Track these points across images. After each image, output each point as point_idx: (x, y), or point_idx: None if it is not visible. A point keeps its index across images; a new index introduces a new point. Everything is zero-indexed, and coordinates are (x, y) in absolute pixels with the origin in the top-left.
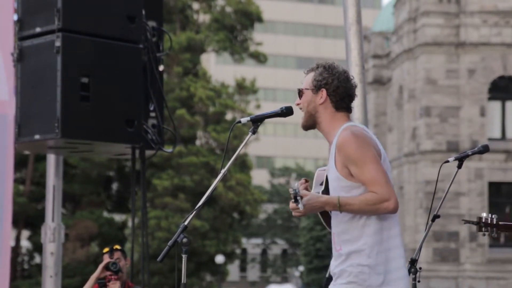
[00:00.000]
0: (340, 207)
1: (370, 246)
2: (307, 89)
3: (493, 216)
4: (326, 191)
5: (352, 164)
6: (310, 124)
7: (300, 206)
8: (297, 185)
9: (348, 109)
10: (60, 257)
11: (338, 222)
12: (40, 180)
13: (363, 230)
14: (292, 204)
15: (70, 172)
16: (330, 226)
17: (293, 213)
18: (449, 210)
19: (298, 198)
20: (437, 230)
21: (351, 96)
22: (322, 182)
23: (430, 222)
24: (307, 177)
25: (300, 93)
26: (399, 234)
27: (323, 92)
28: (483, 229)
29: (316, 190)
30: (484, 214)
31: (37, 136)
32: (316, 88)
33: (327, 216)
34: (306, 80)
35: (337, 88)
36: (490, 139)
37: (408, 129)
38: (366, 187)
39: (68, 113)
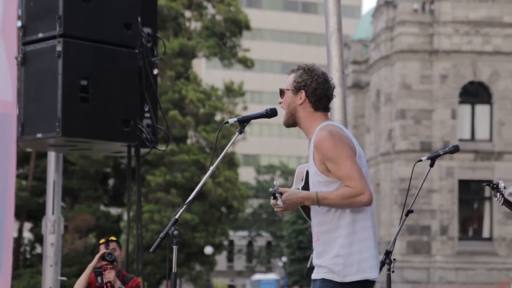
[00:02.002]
0: (318, 201)
1: (345, 236)
2: (288, 89)
3: (504, 188)
4: (306, 185)
5: (329, 161)
6: (291, 122)
7: (279, 202)
8: (276, 182)
9: (326, 109)
10: (59, 248)
11: (316, 214)
12: (41, 176)
13: (339, 221)
14: (272, 201)
15: (70, 169)
16: (310, 218)
17: (275, 209)
18: (421, 205)
19: (277, 195)
20: (410, 224)
21: (328, 97)
22: (303, 178)
23: (404, 216)
24: (290, 174)
25: (282, 93)
26: (372, 226)
27: (302, 93)
28: (496, 193)
29: (297, 186)
30: (501, 183)
31: (39, 135)
32: (296, 89)
33: (307, 209)
34: (287, 80)
35: (315, 90)
36: (460, 140)
37: (385, 130)
38: (342, 182)
39: (68, 114)
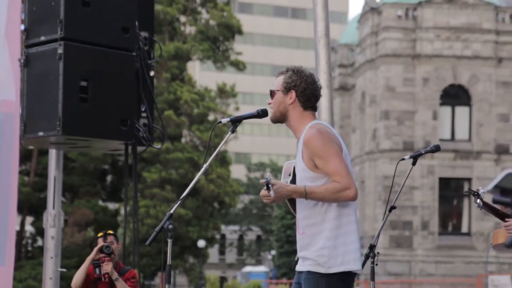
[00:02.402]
0: (306, 195)
1: (330, 229)
2: (278, 90)
3: (483, 193)
4: (293, 181)
5: (317, 158)
6: (278, 119)
7: (272, 193)
8: (269, 175)
9: (314, 108)
10: (59, 241)
11: (303, 208)
12: (42, 172)
13: (325, 215)
14: (263, 192)
15: (70, 165)
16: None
17: (264, 200)
18: (404, 202)
19: (270, 186)
20: (393, 220)
21: (316, 97)
22: (290, 173)
23: (387, 212)
24: (279, 171)
25: (272, 94)
26: (356, 220)
27: (292, 93)
28: (476, 199)
29: (285, 180)
30: (481, 189)
31: (40, 133)
32: (286, 89)
33: (294, 203)
34: (277, 82)
35: (304, 90)
36: (441, 140)
37: (369, 130)
38: (329, 177)
39: (69, 113)
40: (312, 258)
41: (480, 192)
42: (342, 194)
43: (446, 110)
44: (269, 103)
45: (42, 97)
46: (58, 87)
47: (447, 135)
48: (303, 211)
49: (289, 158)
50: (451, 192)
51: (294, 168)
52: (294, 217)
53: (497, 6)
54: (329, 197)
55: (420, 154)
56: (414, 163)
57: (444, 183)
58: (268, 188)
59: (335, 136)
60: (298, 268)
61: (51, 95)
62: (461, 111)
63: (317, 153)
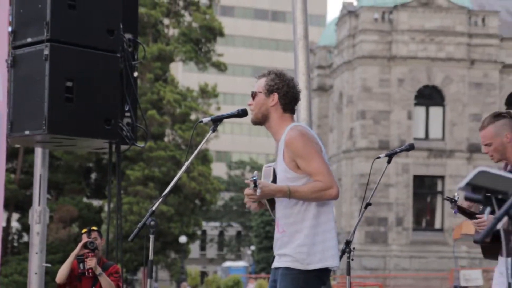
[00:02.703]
0: (290, 194)
1: (310, 227)
2: (260, 92)
3: (457, 197)
4: (274, 181)
5: (299, 158)
6: (259, 120)
7: (258, 191)
8: (256, 173)
9: (293, 111)
10: (45, 236)
11: (283, 208)
12: (28, 170)
13: (305, 214)
14: (248, 190)
15: (55, 163)
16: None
17: (247, 199)
18: (379, 199)
19: (257, 184)
20: (369, 216)
21: (296, 100)
22: (270, 175)
23: (363, 209)
24: (259, 169)
25: (254, 95)
26: (333, 219)
27: (275, 96)
28: (453, 206)
29: (265, 178)
30: (457, 195)
31: (27, 132)
32: (269, 92)
33: (273, 204)
34: (258, 84)
35: (286, 93)
36: (415, 139)
37: (346, 129)
38: (311, 177)
39: (54, 113)
40: (291, 254)
41: (456, 198)
42: (325, 193)
43: (421, 110)
44: (250, 104)
45: (29, 97)
46: (44, 87)
47: (421, 134)
48: (283, 211)
49: (269, 156)
50: (425, 189)
51: (274, 170)
52: None
53: (470, 10)
54: (312, 196)
55: (395, 153)
56: (389, 161)
57: (418, 180)
58: (255, 186)
59: (315, 137)
60: (275, 264)
61: (37, 95)
62: (435, 111)
63: (300, 153)
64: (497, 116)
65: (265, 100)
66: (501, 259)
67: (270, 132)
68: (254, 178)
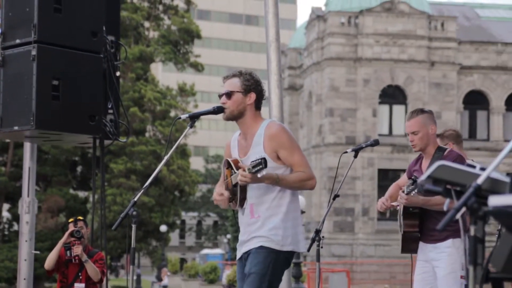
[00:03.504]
0: (279, 181)
1: (284, 213)
2: (238, 91)
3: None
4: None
5: (284, 149)
6: (234, 117)
7: (263, 173)
8: (263, 155)
9: (260, 108)
10: (33, 226)
11: (259, 195)
12: (18, 163)
13: (280, 201)
14: (244, 172)
15: (43, 157)
16: (241, 204)
17: (241, 181)
18: (346, 191)
19: (261, 166)
20: (337, 207)
21: (264, 99)
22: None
23: (331, 200)
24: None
25: (230, 94)
26: (300, 208)
27: (252, 95)
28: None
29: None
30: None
31: (16, 127)
32: (246, 91)
33: (244, 192)
34: (232, 84)
35: (260, 92)
36: (380, 135)
37: (315, 126)
38: (293, 168)
39: (42, 109)
40: (265, 235)
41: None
42: (307, 183)
43: (385, 108)
44: (224, 103)
45: (17, 94)
46: (32, 86)
47: (385, 131)
48: (259, 198)
49: None
50: (389, 182)
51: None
52: None
53: (430, 14)
54: (297, 185)
55: (361, 148)
56: (355, 156)
57: (383, 174)
58: (259, 170)
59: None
60: (244, 249)
61: (25, 93)
62: (398, 109)
63: (285, 145)
64: (423, 110)
65: (243, 98)
66: (426, 247)
67: (241, 127)
68: (265, 159)
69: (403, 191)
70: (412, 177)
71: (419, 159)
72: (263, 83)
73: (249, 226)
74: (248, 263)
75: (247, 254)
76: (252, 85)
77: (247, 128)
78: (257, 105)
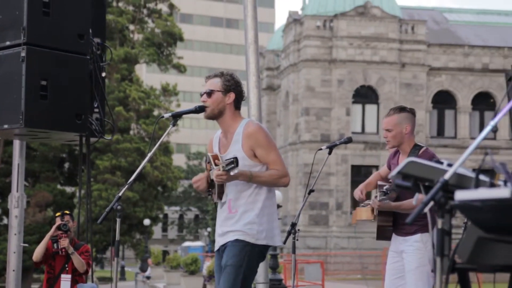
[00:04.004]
0: (252, 178)
1: (259, 208)
2: (218, 91)
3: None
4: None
5: (260, 148)
6: (215, 116)
7: (235, 171)
8: (235, 155)
9: (240, 108)
10: (22, 219)
11: (237, 191)
12: (8, 160)
13: (256, 197)
14: (218, 172)
15: (32, 154)
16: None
17: (216, 179)
18: (321, 186)
19: (234, 165)
20: (312, 201)
21: (244, 99)
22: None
23: (307, 195)
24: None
25: (211, 93)
26: (276, 204)
27: (232, 95)
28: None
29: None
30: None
31: (5, 126)
32: (226, 91)
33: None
34: (213, 83)
35: (240, 92)
36: (353, 133)
37: (292, 124)
38: (268, 165)
39: (30, 108)
40: (241, 230)
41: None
42: (280, 180)
43: (358, 108)
44: (204, 101)
45: (7, 94)
46: (21, 86)
47: (358, 129)
48: (237, 194)
49: None
50: (362, 177)
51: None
52: None
53: (401, 18)
54: (270, 181)
55: (335, 145)
56: (330, 153)
57: (356, 169)
58: (236, 165)
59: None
60: (221, 242)
61: (15, 92)
62: (370, 108)
63: (262, 144)
64: (402, 109)
65: (223, 98)
66: (397, 239)
67: (221, 125)
68: (236, 159)
69: (376, 197)
70: (384, 190)
71: (396, 153)
72: (243, 85)
73: (227, 220)
74: (225, 256)
75: (224, 247)
76: (232, 85)
77: (227, 126)
78: (237, 105)
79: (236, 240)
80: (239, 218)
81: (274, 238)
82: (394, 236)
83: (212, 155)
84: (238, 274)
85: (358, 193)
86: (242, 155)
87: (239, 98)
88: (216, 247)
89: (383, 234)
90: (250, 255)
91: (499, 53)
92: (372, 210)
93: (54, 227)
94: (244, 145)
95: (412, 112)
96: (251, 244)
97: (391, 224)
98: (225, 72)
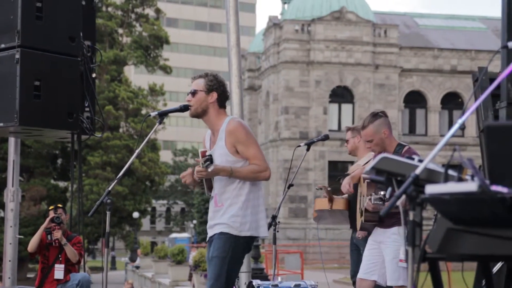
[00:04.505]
0: (232, 173)
1: (243, 202)
2: (201, 90)
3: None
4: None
5: (240, 144)
6: (198, 114)
7: (211, 167)
8: (210, 152)
9: (225, 107)
10: (18, 212)
11: (222, 186)
12: (4, 156)
13: (239, 191)
14: (199, 168)
15: (26, 151)
16: (209, 190)
17: (197, 175)
18: (300, 180)
19: (210, 163)
20: (291, 195)
21: (227, 98)
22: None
23: (286, 189)
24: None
25: (194, 93)
26: (262, 196)
27: (214, 94)
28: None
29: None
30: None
31: (1, 124)
32: (208, 90)
33: (210, 183)
34: (197, 84)
35: (222, 92)
36: (330, 130)
37: (272, 122)
38: (249, 161)
39: (25, 107)
40: (225, 222)
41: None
42: (260, 175)
43: (334, 107)
44: (189, 100)
45: (2, 94)
46: (16, 86)
47: (335, 127)
48: (222, 188)
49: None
50: (338, 172)
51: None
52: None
53: (374, 23)
54: (250, 176)
55: (313, 142)
56: (308, 149)
57: (332, 165)
58: (211, 162)
59: (250, 128)
60: (210, 233)
61: (9, 92)
62: (346, 107)
63: (241, 140)
64: (375, 116)
65: (205, 97)
66: (378, 230)
67: (207, 124)
68: (210, 156)
69: (370, 200)
70: (381, 195)
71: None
72: (226, 85)
73: (215, 213)
74: (212, 247)
75: (212, 238)
76: (215, 85)
77: (212, 125)
78: (220, 104)
79: (221, 233)
80: (225, 211)
81: (259, 229)
82: (376, 227)
83: (201, 151)
84: (223, 265)
85: (346, 186)
86: (225, 152)
87: (222, 97)
88: (207, 238)
89: (366, 228)
90: (234, 246)
91: (467, 56)
92: (330, 199)
93: (48, 219)
94: (226, 142)
95: (384, 114)
96: (235, 236)
97: (377, 221)
98: (209, 73)
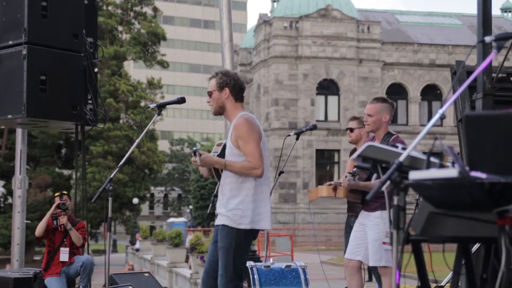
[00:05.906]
0: (226, 166)
1: (245, 196)
2: (214, 90)
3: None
4: (222, 153)
5: (240, 139)
6: (218, 112)
7: (197, 159)
8: (198, 145)
9: (242, 99)
10: (25, 199)
11: (226, 177)
12: (12, 146)
13: (242, 185)
14: (193, 158)
15: (33, 141)
16: (219, 180)
17: (193, 165)
18: (290, 168)
19: (197, 153)
20: (282, 181)
21: (243, 89)
22: (218, 150)
23: (277, 176)
24: (194, 145)
25: (210, 94)
26: (267, 190)
27: (226, 90)
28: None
29: (215, 151)
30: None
31: (9, 116)
32: (220, 88)
33: (219, 173)
34: (211, 85)
35: (234, 85)
36: (317, 121)
37: (263, 113)
38: (246, 156)
39: (31, 100)
40: (227, 215)
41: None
42: (251, 172)
43: (321, 99)
44: (208, 102)
45: (10, 88)
46: (23, 80)
47: (322, 117)
48: (226, 179)
49: (202, 135)
50: (325, 160)
51: (224, 144)
52: (206, 179)
53: (358, 20)
54: (242, 171)
55: (302, 132)
56: (297, 138)
57: (320, 153)
58: (195, 155)
59: (257, 125)
60: (216, 222)
61: (17, 86)
62: (332, 99)
63: (241, 136)
64: (386, 100)
65: (219, 95)
66: (363, 214)
67: (227, 118)
68: (195, 149)
69: (346, 177)
70: (352, 172)
71: (373, 139)
72: (238, 77)
73: (220, 202)
74: (218, 236)
75: (217, 226)
76: (225, 82)
77: (230, 119)
78: (236, 97)
79: (223, 226)
80: (226, 202)
81: (260, 222)
82: (362, 211)
83: (217, 143)
84: (229, 256)
85: (346, 181)
86: (230, 145)
87: (236, 91)
88: (215, 223)
89: (353, 209)
90: (236, 238)
91: (444, 50)
92: (334, 188)
93: (53, 206)
94: (232, 135)
95: (392, 105)
96: (236, 229)
97: (360, 201)
98: (219, 71)
